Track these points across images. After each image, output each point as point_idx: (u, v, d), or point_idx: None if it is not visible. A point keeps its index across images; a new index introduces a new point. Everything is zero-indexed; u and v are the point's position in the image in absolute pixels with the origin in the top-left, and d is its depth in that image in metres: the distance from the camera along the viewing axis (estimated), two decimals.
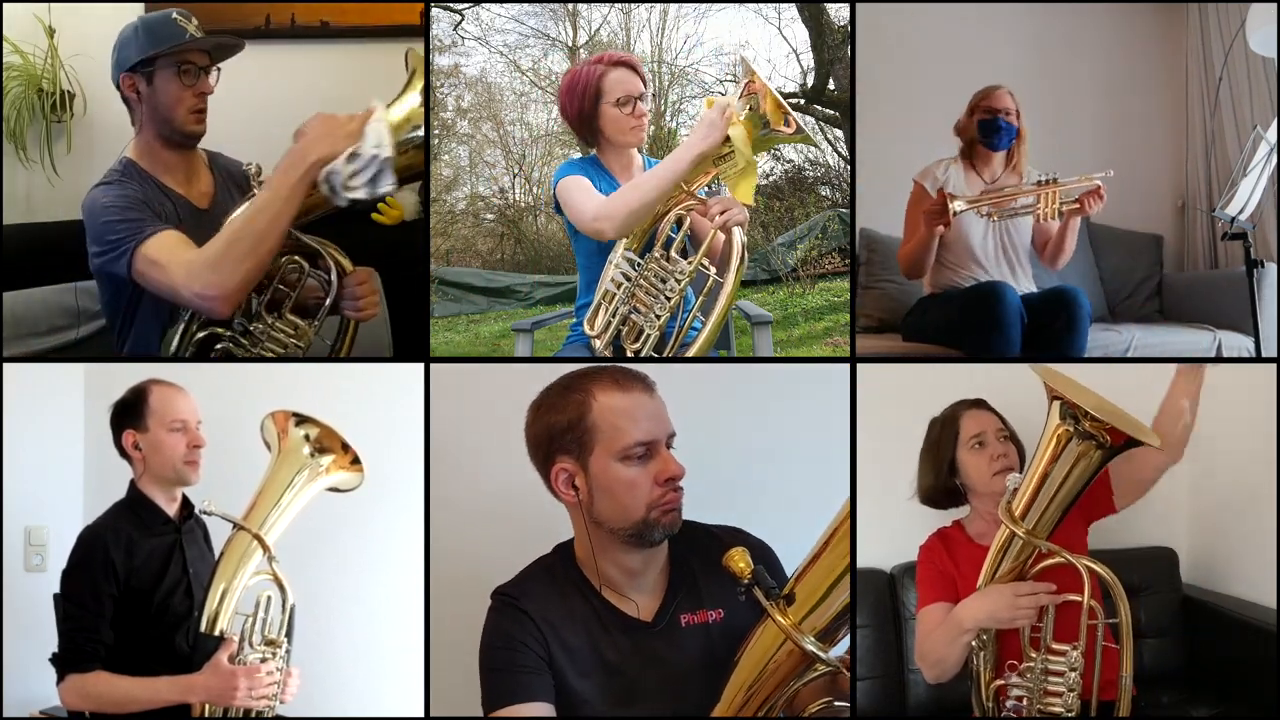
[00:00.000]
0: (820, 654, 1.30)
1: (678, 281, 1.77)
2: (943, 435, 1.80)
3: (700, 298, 1.80)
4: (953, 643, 1.59)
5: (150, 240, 1.73)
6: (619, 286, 1.81)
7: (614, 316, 1.82)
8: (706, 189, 1.88)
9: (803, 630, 1.30)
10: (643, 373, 1.48)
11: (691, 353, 1.81)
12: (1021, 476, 1.54)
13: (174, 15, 1.87)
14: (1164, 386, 1.73)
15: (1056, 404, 1.49)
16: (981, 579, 1.57)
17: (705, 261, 1.76)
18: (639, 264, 1.81)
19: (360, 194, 1.73)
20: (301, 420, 1.69)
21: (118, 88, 1.90)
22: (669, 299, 1.78)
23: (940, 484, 1.80)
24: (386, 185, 1.74)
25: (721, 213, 1.74)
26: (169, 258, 1.72)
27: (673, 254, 1.79)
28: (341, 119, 1.74)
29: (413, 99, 1.83)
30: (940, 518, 1.86)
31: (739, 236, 1.75)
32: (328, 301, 1.84)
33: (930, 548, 1.80)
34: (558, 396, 1.46)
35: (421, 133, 1.82)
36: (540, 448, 1.47)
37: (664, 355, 1.80)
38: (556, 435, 1.44)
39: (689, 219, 1.79)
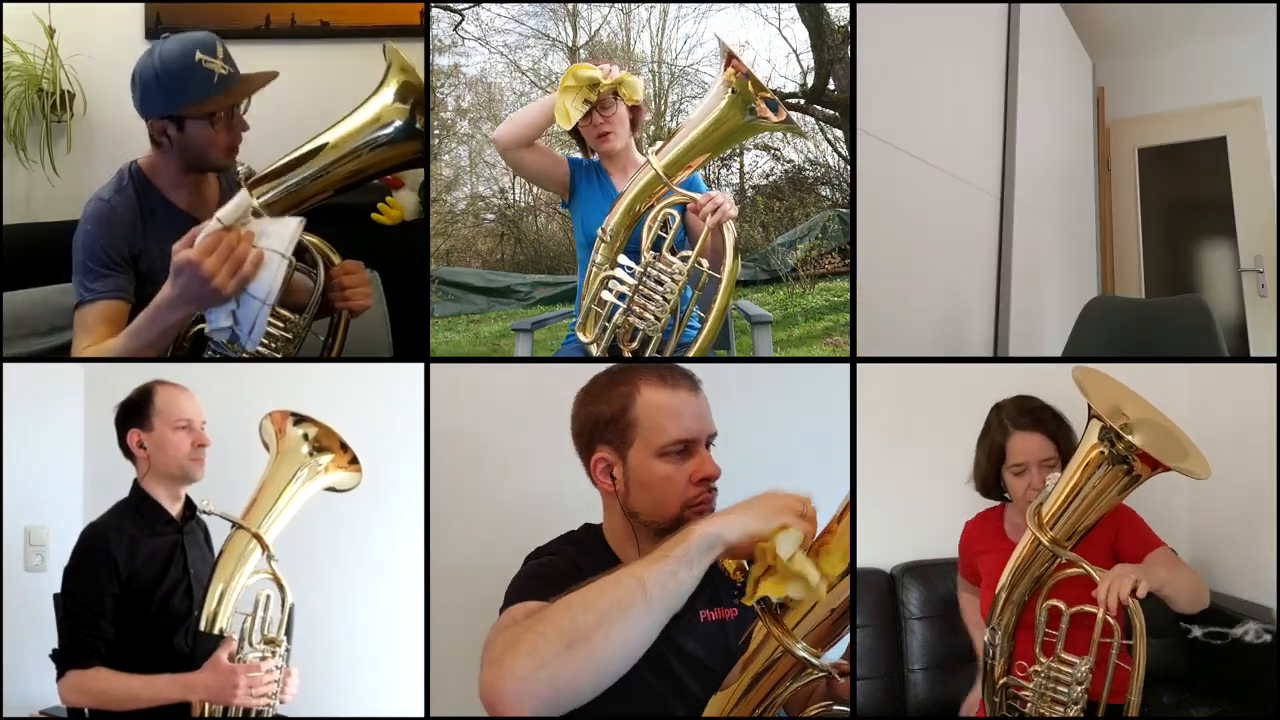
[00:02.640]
0: (811, 659, 1.29)
1: (675, 282, 1.77)
2: (994, 445, 1.80)
3: (696, 292, 1.80)
4: None
5: (83, 308, 1.81)
6: (616, 294, 1.80)
7: (609, 321, 1.81)
8: (705, 183, 1.89)
9: (795, 635, 1.30)
10: (690, 370, 1.48)
11: (692, 352, 1.81)
12: (1057, 478, 1.53)
13: (198, 56, 1.76)
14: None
15: (1096, 423, 1.44)
16: (1004, 577, 1.56)
17: (704, 261, 1.76)
18: (633, 269, 1.80)
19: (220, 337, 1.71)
20: (300, 420, 1.69)
21: (143, 118, 1.84)
22: (667, 300, 1.77)
23: (991, 486, 1.84)
24: (251, 344, 1.71)
25: (714, 211, 1.73)
26: (77, 341, 1.81)
27: (666, 254, 1.77)
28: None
29: (385, 96, 1.82)
30: (959, 507, 1.89)
31: (731, 230, 1.75)
32: (316, 293, 1.82)
33: (970, 527, 1.85)
34: (604, 387, 1.47)
35: (388, 131, 1.81)
36: (583, 435, 1.48)
37: (663, 355, 1.80)
38: (600, 426, 1.45)
39: (680, 218, 1.78)
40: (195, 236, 1.62)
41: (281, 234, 1.65)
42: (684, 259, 1.77)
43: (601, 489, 1.48)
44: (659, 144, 1.80)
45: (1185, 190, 4.53)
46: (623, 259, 1.82)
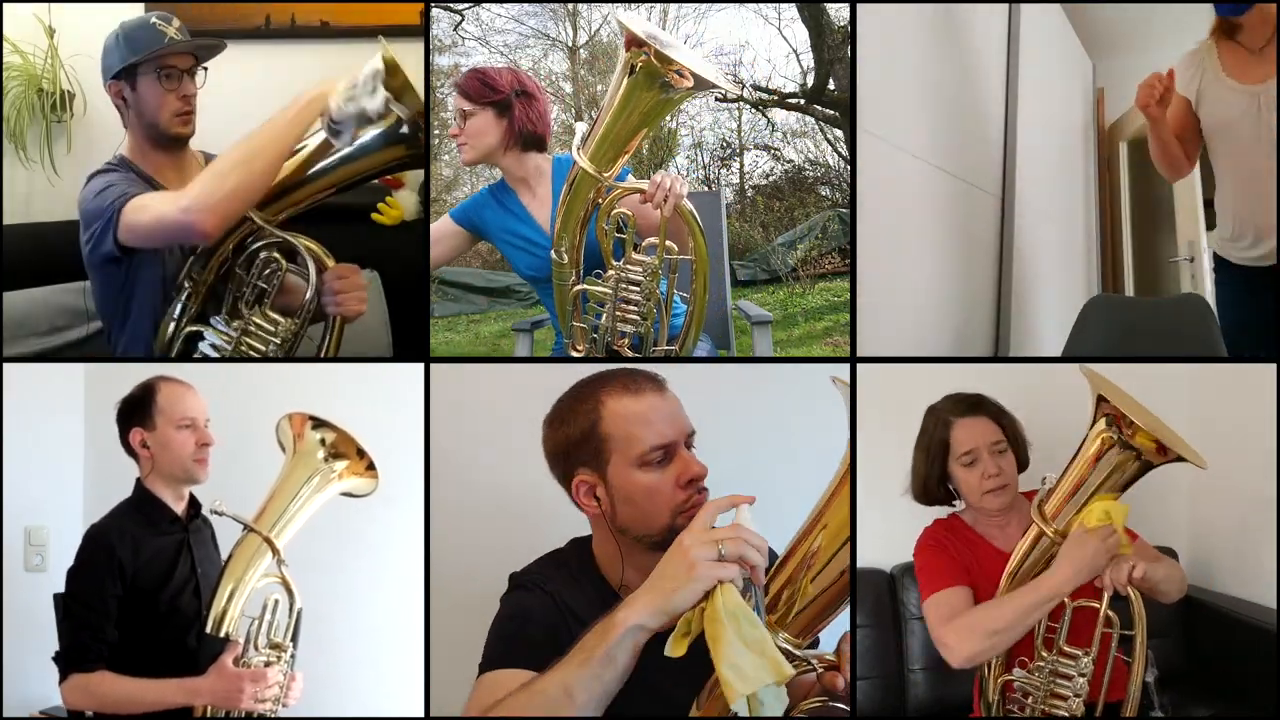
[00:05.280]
0: (792, 650, 1.28)
1: (649, 278, 1.74)
2: (934, 440, 1.74)
3: (672, 275, 1.77)
4: (1029, 615, 1.49)
5: (133, 199, 1.74)
6: (594, 310, 1.77)
7: (596, 334, 1.79)
8: (705, 183, 1.87)
9: (775, 627, 1.29)
10: (653, 372, 1.44)
11: (688, 335, 1.80)
12: (1056, 476, 1.53)
13: (153, 20, 1.86)
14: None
15: (1102, 409, 1.47)
16: (1004, 579, 1.55)
17: (671, 245, 1.73)
18: (604, 282, 1.76)
19: (351, 109, 1.69)
20: (319, 424, 1.67)
21: (107, 91, 1.90)
22: (648, 298, 1.75)
23: (933, 487, 1.76)
24: (378, 101, 1.69)
25: (665, 198, 1.68)
26: (153, 200, 1.73)
27: (634, 255, 1.74)
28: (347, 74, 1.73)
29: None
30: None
31: (687, 206, 1.70)
32: (308, 296, 1.82)
33: (934, 533, 1.75)
34: (568, 408, 1.43)
35: (367, 139, 1.79)
36: (558, 462, 1.44)
37: (655, 345, 1.78)
38: (572, 448, 1.41)
39: (634, 216, 1.73)
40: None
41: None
42: (649, 251, 1.73)
43: (587, 512, 1.44)
44: (583, 131, 1.71)
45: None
46: (598, 281, 1.78)
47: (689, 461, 1.39)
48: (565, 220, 1.73)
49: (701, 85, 1.60)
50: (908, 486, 1.80)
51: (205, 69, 1.92)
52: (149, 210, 1.71)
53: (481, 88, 1.99)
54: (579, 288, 1.77)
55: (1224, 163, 2.28)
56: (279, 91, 1.89)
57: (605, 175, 1.67)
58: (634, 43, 1.56)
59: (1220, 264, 2.37)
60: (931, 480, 1.75)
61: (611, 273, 1.75)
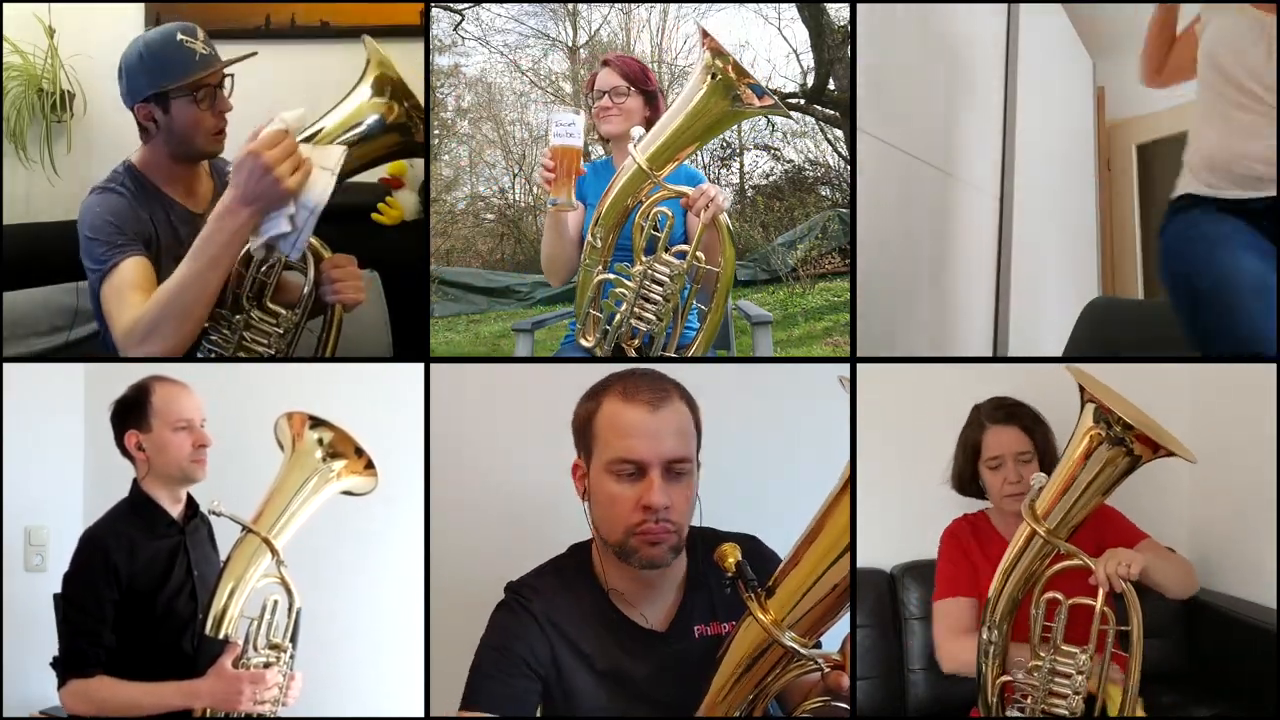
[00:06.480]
0: (798, 648, 1.29)
1: (674, 281, 1.75)
2: (969, 440, 1.82)
3: (695, 286, 1.78)
4: None
5: (111, 276, 1.75)
6: (614, 299, 1.77)
7: (609, 325, 1.80)
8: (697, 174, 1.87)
9: (782, 625, 1.30)
10: (661, 386, 1.42)
11: (695, 348, 1.80)
12: (1047, 476, 1.53)
13: (179, 38, 1.80)
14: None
15: (1090, 407, 1.48)
16: (997, 577, 1.56)
17: (701, 255, 1.74)
18: (630, 275, 1.77)
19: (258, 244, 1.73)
20: (317, 424, 1.66)
21: (129, 108, 1.85)
22: (667, 300, 1.76)
23: (968, 482, 1.85)
24: (295, 253, 1.74)
25: (706, 206, 1.70)
26: (118, 307, 1.74)
27: (664, 255, 1.75)
28: (275, 163, 1.66)
29: (361, 93, 1.81)
30: (956, 506, 1.89)
31: (725, 221, 1.73)
32: (306, 289, 1.82)
33: (956, 533, 1.82)
34: (586, 394, 1.46)
35: (361, 128, 1.80)
36: (574, 439, 1.48)
37: (664, 350, 1.79)
38: (576, 432, 1.46)
39: (671, 215, 1.75)
40: (258, 133, 1.67)
41: (329, 155, 1.71)
42: (680, 255, 1.75)
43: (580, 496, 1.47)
44: (639, 134, 1.76)
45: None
46: (629, 268, 1.78)
47: (650, 486, 1.36)
48: (608, 208, 1.75)
49: (774, 109, 1.67)
50: (948, 475, 1.88)
51: (231, 75, 1.88)
52: (111, 323, 1.75)
53: (641, 74, 2.07)
54: (604, 276, 1.78)
55: (1214, 90, 2.01)
56: (278, 91, 1.89)
57: (656, 174, 1.71)
58: (715, 51, 1.61)
59: None
60: (966, 476, 1.84)
61: (639, 267, 1.75)
